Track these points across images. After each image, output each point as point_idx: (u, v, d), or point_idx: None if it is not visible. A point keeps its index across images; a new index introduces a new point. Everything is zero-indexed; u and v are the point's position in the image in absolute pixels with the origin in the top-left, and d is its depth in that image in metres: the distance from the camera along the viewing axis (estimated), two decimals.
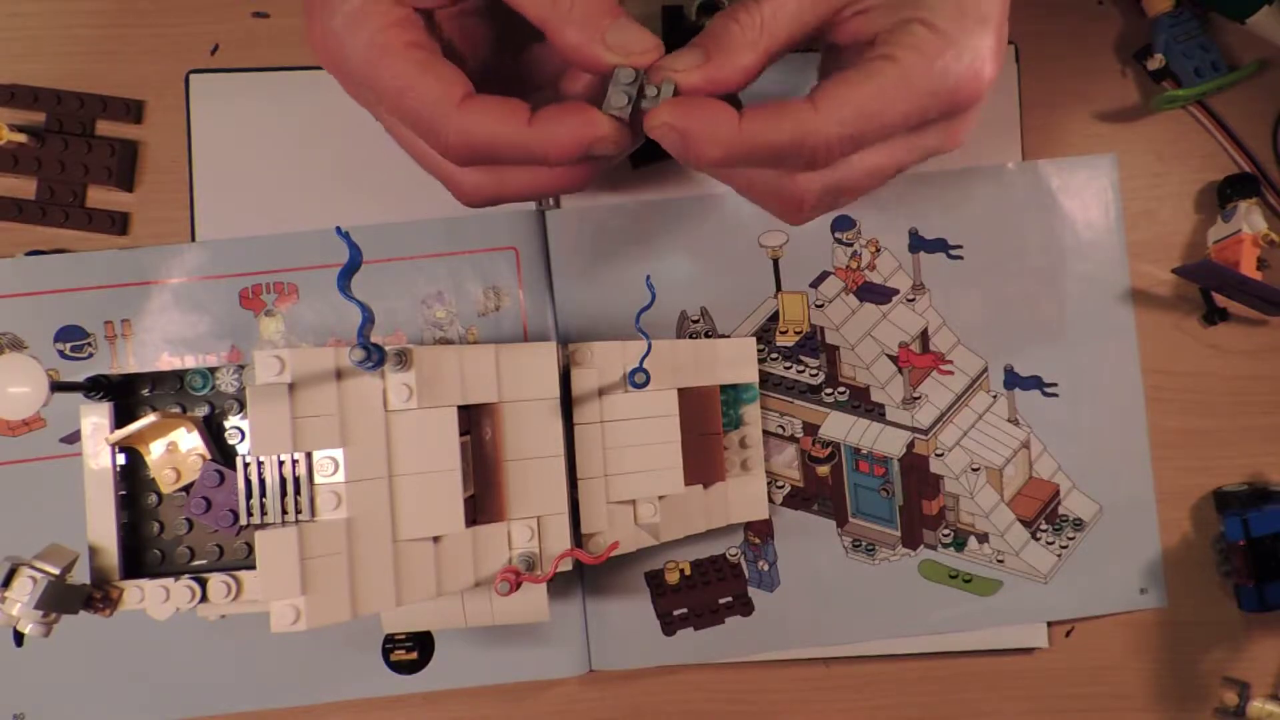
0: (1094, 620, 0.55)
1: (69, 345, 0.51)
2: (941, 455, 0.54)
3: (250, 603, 0.40)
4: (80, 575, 0.38)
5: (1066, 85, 0.56)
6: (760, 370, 0.53)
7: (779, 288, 0.54)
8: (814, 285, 0.54)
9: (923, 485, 0.54)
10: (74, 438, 0.51)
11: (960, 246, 0.55)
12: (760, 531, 0.54)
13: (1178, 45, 0.54)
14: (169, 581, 0.39)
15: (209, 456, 0.41)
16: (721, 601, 0.53)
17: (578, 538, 0.45)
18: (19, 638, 0.48)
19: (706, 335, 0.54)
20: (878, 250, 0.55)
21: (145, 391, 0.43)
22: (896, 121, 0.38)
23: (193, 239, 0.53)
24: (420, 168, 0.42)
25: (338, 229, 0.34)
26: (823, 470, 0.54)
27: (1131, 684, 0.55)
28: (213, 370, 0.42)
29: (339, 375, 0.39)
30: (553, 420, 0.44)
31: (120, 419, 0.41)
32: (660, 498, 0.46)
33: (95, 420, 0.40)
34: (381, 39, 0.37)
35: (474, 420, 0.43)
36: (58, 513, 0.49)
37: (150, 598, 0.39)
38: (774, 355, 0.54)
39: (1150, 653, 0.55)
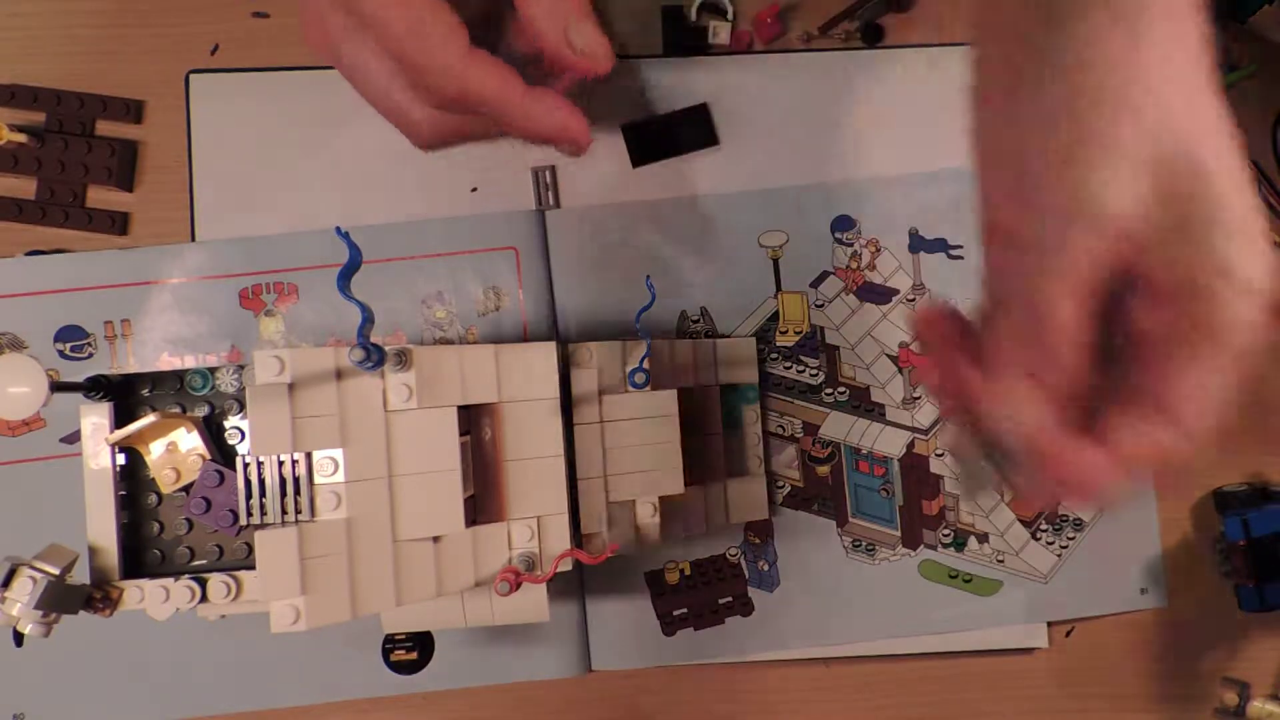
0: (1094, 620, 0.55)
1: (69, 345, 0.51)
2: (941, 455, 0.54)
3: (250, 603, 0.40)
4: (80, 575, 0.38)
5: None
6: (760, 370, 0.53)
7: (779, 288, 0.54)
8: (814, 285, 0.54)
9: (923, 485, 0.54)
10: (74, 438, 0.51)
11: (960, 246, 0.55)
12: (760, 531, 0.54)
13: None
14: (169, 581, 0.39)
15: (209, 456, 0.41)
16: (721, 601, 0.53)
17: (577, 538, 0.45)
18: (19, 638, 0.48)
19: (706, 335, 0.54)
20: (878, 250, 0.55)
21: (145, 391, 0.43)
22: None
23: (193, 239, 0.53)
24: (370, 102, 0.43)
25: (337, 229, 0.34)
26: (823, 470, 0.54)
27: (1131, 684, 0.55)
28: (213, 370, 0.42)
29: (339, 375, 0.39)
30: (553, 420, 0.44)
31: (120, 419, 0.41)
32: (660, 498, 0.46)
33: (95, 420, 0.40)
34: None
35: (474, 420, 0.43)
36: (58, 513, 0.49)
37: (150, 598, 0.39)
38: (774, 355, 0.54)
39: (1150, 653, 0.55)
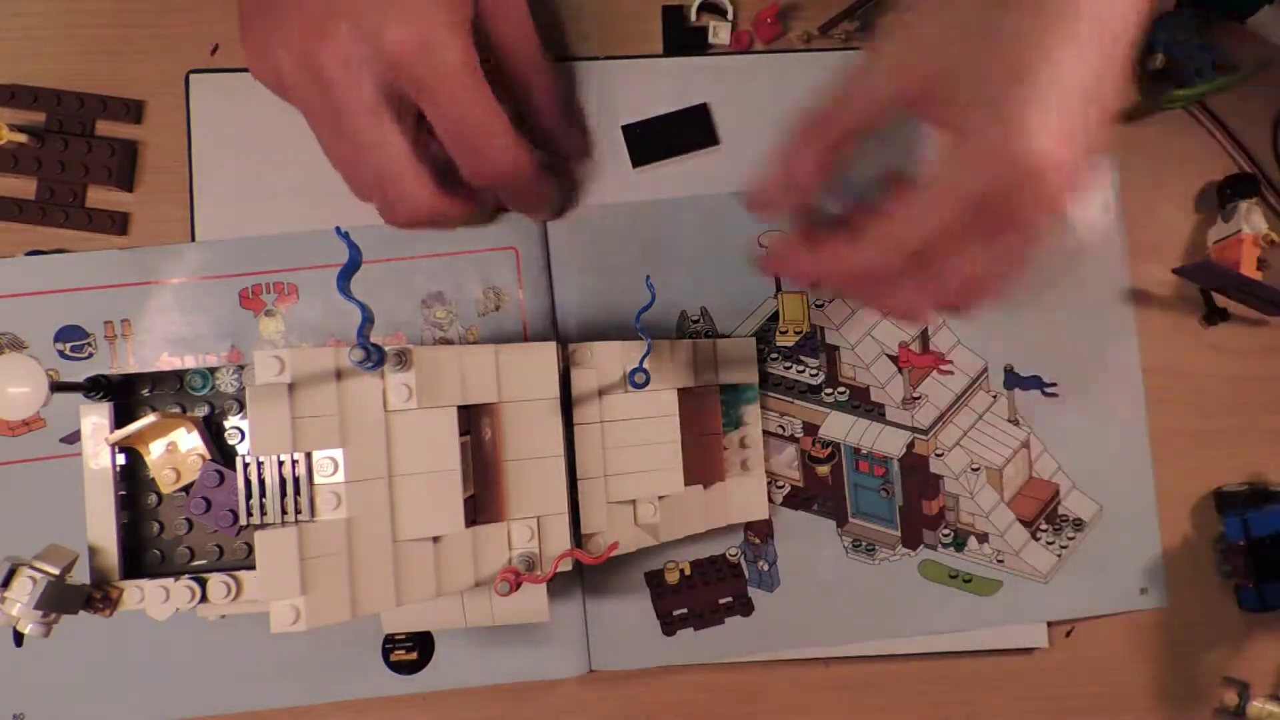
0: (1094, 620, 0.55)
1: (69, 345, 0.51)
2: (941, 455, 0.54)
3: (250, 603, 0.40)
4: (80, 575, 0.38)
5: None
6: (760, 370, 0.53)
7: (779, 288, 0.54)
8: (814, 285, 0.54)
9: (923, 485, 0.54)
10: (74, 438, 0.51)
11: None
12: (760, 531, 0.54)
13: (1178, 45, 0.54)
14: (169, 582, 0.39)
15: (209, 456, 0.41)
16: (721, 601, 0.53)
17: (578, 538, 0.45)
18: (19, 638, 0.48)
19: (706, 335, 0.54)
20: None
21: (145, 391, 0.43)
22: (958, 235, 0.37)
23: (193, 239, 0.53)
24: (336, 164, 0.46)
25: (337, 229, 0.34)
26: (823, 470, 0.54)
27: (1131, 684, 0.55)
28: (213, 370, 0.42)
29: (339, 375, 0.39)
30: (553, 420, 0.44)
31: (120, 419, 0.41)
32: (660, 498, 0.46)
33: (95, 420, 0.40)
34: (472, 56, 0.43)
35: (474, 420, 0.43)
36: (58, 513, 0.49)
37: (150, 598, 0.39)
38: (774, 355, 0.54)
39: (1150, 653, 0.55)
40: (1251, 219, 0.53)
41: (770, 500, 0.53)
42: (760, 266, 0.44)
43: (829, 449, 0.54)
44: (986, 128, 0.35)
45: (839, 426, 0.54)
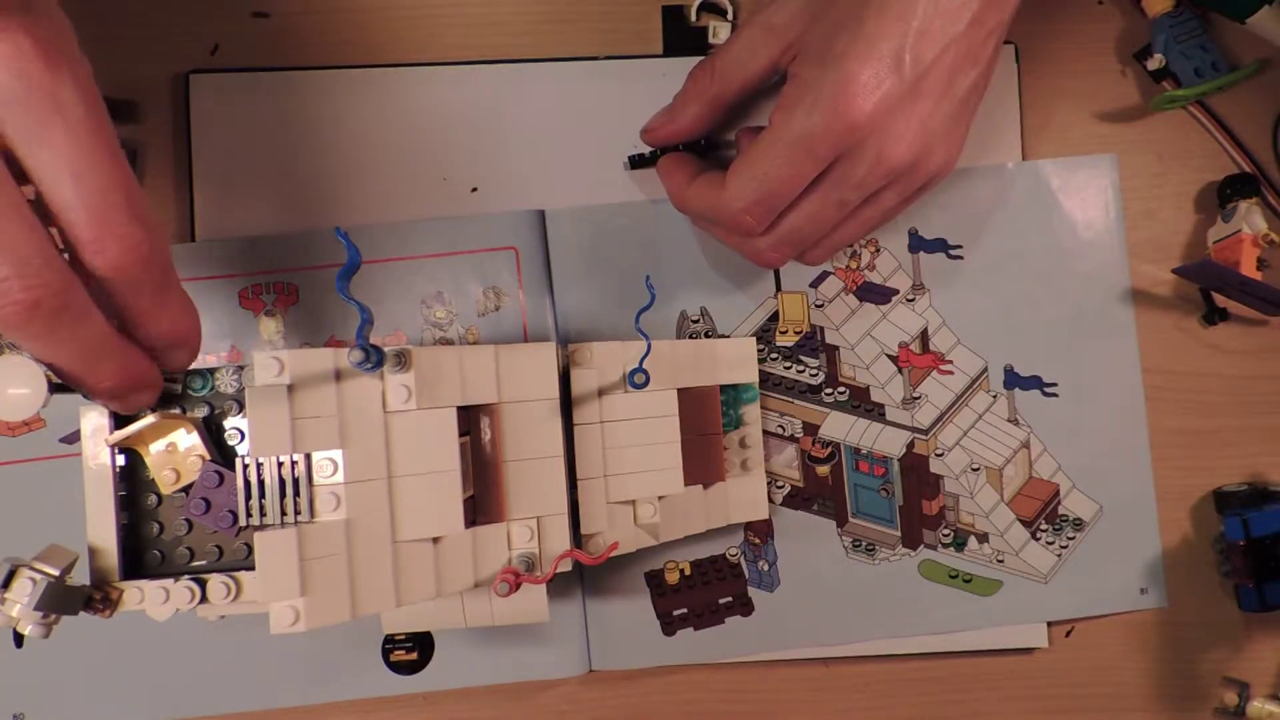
0: (1094, 620, 0.55)
1: None
2: (941, 455, 0.54)
3: (250, 603, 0.40)
4: (80, 576, 0.38)
5: (1066, 85, 0.56)
6: (760, 370, 0.53)
7: (779, 288, 0.54)
8: (814, 285, 0.54)
9: (923, 485, 0.54)
10: (74, 438, 0.51)
11: (960, 246, 0.55)
12: (760, 531, 0.54)
13: (1178, 45, 0.54)
14: (168, 582, 0.39)
15: (208, 457, 0.41)
16: (721, 601, 0.53)
17: (577, 538, 0.45)
18: (19, 638, 0.48)
19: (706, 335, 0.54)
20: (877, 250, 0.55)
21: None
22: (785, 179, 0.41)
23: (192, 239, 0.53)
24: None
25: (337, 230, 0.34)
26: (823, 470, 0.54)
27: (1131, 684, 0.55)
28: (212, 371, 0.42)
29: (338, 376, 0.39)
30: (552, 420, 0.44)
31: (120, 420, 0.41)
32: (660, 498, 0.46)
33: (95, 421, 0.40)
34: None
35: (473, 421, 0.43)
36: (58, 513, 0.49)
37: (150, 598, 0.39)
38: (774, 355, 0.54)
39: (1150, 653, 0.55)
40: (1251, 219, 0.53)
41: (770, 500, 0.53)
42: (645, 137, 0.52)
43: (829, 449, 0.54)
44: (819, 77, 0.40)
45: (839, 426, 0.54)
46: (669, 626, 0.53)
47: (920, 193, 0.47)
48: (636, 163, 0.53)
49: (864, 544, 0.54)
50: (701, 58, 0.50)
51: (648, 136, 0.52)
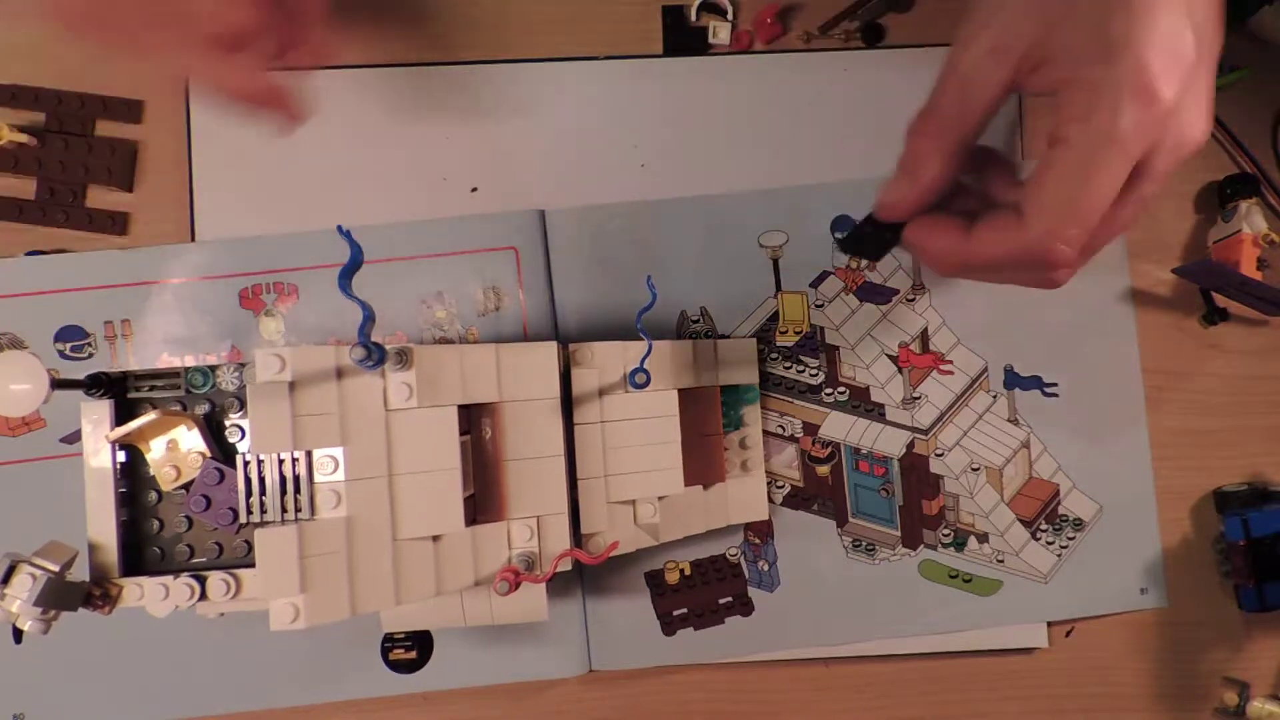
0: (1094, 620, 0.55)
1: (69, 345, 0.51)
2: (941, 455, 0.54)
3: (249, 601, 0.40)
4: (80, 573, 0.38)
5: None
6: (760, 370, 0.53)
7: (779, 288, 0.54)
8: (814, 285, 0.54)
9: (923, 485, 0.54)
10: (74, 438, 0.51)
11: None
12: (760, 531, 0.54)
13: None
14: (168, 579, 0.39)
15: (209, 454, 0.41)
16: (721, 601, 0.53)
17: (577, 538, 0.45)
18: (18, 635, 0.48)
19: (706, 335, 0.54)
20: None
21: (146, 389, 0.42)
22: (1106, 194, 0.37)
23: (193, 239, 0.53)
24: None
25: (339, 227, 0.34)
26: (823, 470, 0.54)
27: (1131, 684, 0.55)
28: (213, 368, 0.42)
29: (339, 374, 0.39)
30: (553, 420, 0.44)
31: (121, 417, 0.41)
32: (660, 498, 0.46)
33: (96, 418, 0.40)
34: None
35: (474, 420, 0.43)
36: (58, 512, 0.49)
37: (149, 595, 0.39)
38: (774, 355, 0.54)
39: (1150, 653, 0.55)
40: (1251, 219, 0.53)
41: (770, 500, 0.53)
42: (907, 245, 0.42)
43: (829, 449, 0.54)
44: (1107, 74, 0.35)
45: (839, 426, 0.54)
46: (669, 626, 0.53)
47: None
48: (855, 245, 0.46)
49: (864, 544, 0.54)
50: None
51: (893, 212, 0.42)
